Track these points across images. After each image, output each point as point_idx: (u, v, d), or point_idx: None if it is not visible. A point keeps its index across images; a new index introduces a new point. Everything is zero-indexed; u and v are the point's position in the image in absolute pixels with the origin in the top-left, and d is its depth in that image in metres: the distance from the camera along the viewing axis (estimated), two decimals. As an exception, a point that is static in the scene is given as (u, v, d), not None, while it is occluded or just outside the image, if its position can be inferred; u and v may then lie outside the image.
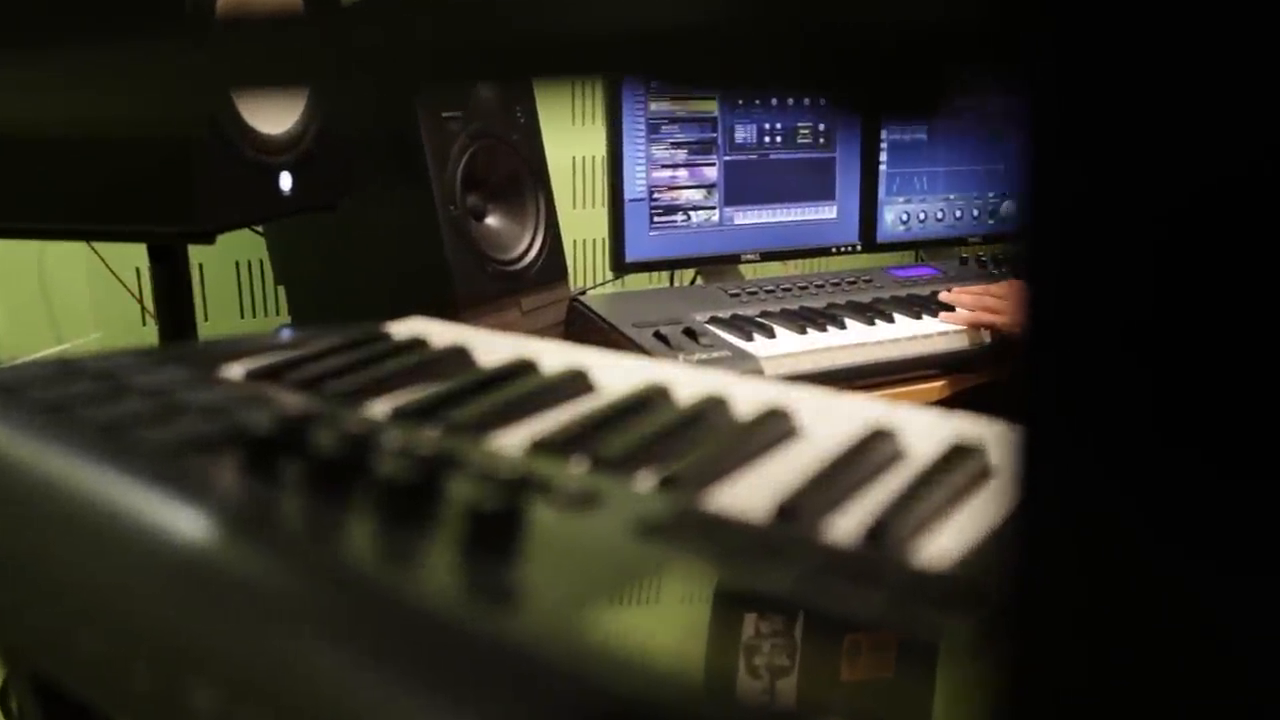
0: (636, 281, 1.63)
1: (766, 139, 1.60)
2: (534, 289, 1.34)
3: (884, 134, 1.70)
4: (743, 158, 1.59)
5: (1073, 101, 0.12)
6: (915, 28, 0.12)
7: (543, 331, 1.35)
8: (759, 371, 1.24)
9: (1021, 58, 0.12)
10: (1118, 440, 0.12)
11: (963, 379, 1.38)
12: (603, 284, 1.66)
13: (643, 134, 1.51)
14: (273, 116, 0.95)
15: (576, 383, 0.45)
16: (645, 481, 0.34)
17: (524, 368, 0.47)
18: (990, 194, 1.81)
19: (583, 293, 1.51)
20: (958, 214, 1.80)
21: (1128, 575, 0.12)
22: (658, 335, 1.29)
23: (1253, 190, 0.11)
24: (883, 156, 1.71)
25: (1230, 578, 0.12)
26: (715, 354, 1.25)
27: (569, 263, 1.45)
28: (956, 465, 0.36)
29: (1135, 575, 0.12)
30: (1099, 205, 0.12)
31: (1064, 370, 0.12)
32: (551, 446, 0.37)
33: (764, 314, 1.41)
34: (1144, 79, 0.12)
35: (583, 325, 1.39)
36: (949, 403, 1.36)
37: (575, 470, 0.35)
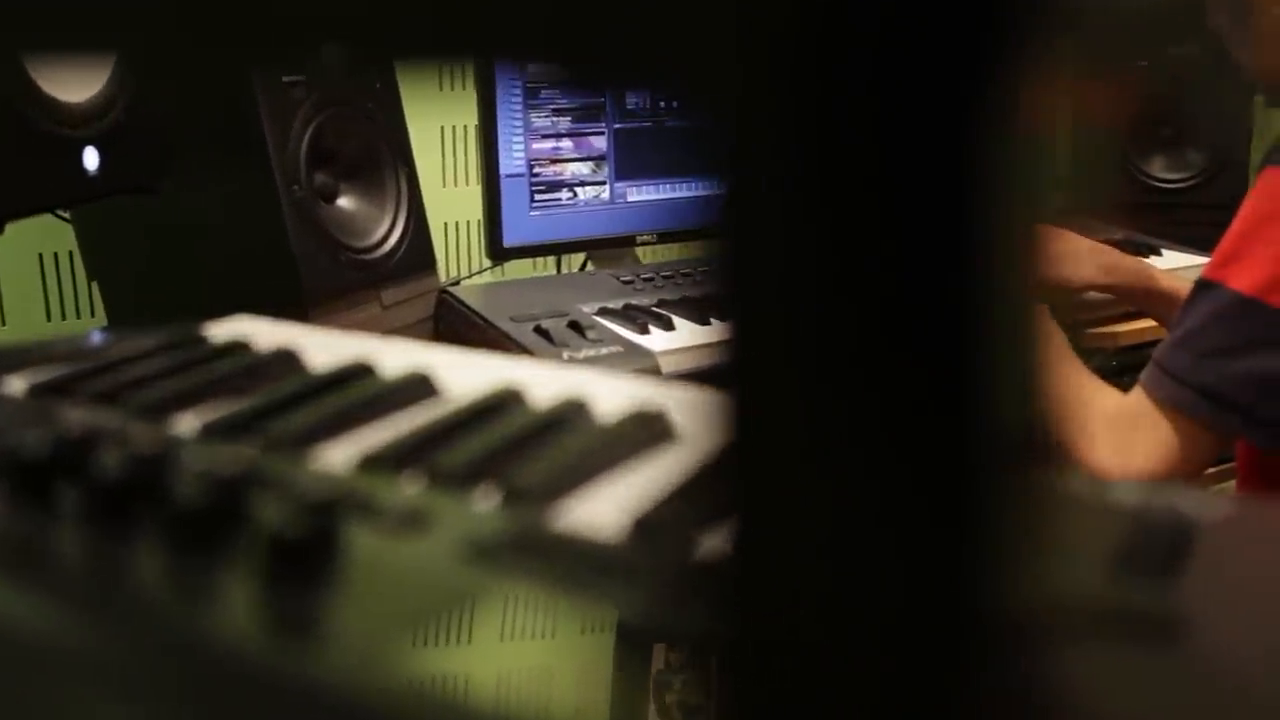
0: (517, 269, 1.63)
1: (662, 104, 1.61)
2: (396, 280, 1.33)
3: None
4: (635, 125, 1.60)
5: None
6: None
7: (407, 329, 1.34)
8: (655, 368, 1.24)
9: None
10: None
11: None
12: (478, 273, 1.65)
13: (520, 100, 1.50)
14: (73, 82, 0.92)
15: (418, 387, 0.45)
16: (487, 498, 0.35)
17: (359, 371, 0.47)
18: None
19: (455, 283, 1.50)
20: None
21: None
22: (539, 330, 1.29)
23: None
24: (793, 123, 1.74)
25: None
26: (604, 350, 1.26)
27: (437, 249, 1.44)
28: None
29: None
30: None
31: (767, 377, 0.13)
32: (382, 460, 0.37)
33: (661, 303, 1.42)
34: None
35: (453, 320, 1.38)
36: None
37: (407, 487, 0.35)
